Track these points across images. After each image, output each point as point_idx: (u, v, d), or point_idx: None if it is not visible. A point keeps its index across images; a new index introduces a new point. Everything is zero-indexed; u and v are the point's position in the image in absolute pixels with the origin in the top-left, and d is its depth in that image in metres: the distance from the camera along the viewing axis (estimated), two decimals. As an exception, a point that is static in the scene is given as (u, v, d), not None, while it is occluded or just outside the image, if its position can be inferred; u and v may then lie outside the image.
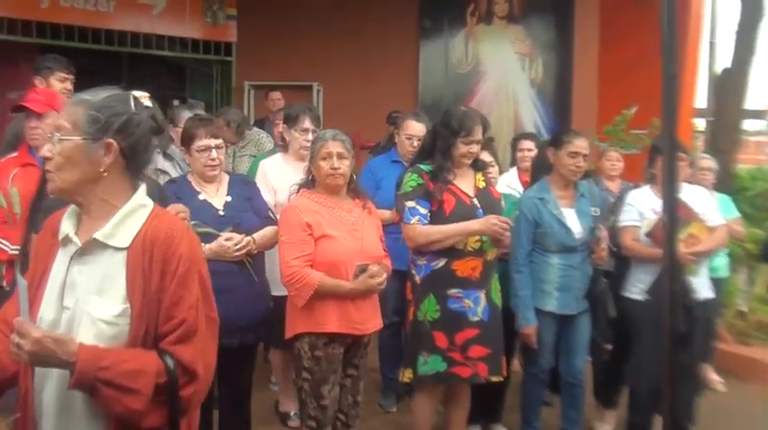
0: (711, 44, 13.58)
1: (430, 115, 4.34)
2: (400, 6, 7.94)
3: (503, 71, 7.94)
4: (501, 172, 4.22)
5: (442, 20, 8.02)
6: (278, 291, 3.17)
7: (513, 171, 4.70)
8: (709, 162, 4.92)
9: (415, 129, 4.19)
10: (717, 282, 4.56)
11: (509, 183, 4.47)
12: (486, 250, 3.25)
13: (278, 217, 3.21)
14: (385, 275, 3.03)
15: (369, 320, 3.06)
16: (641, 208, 3.67)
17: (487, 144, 5.59)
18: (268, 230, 3.14)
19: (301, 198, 3.07)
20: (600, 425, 4.17)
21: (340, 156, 3.01)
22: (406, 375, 3.28)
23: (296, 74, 7.71)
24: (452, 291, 3.19)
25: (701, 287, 3.67)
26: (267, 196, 3.50)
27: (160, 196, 2.58)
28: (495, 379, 3.28)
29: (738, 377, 5.12)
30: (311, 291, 2.87)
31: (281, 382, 4.11)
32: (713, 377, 5.00)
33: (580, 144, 3.57)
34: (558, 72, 7.90)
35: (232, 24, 8.02)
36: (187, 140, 3.16)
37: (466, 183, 3.34)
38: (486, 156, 3.92)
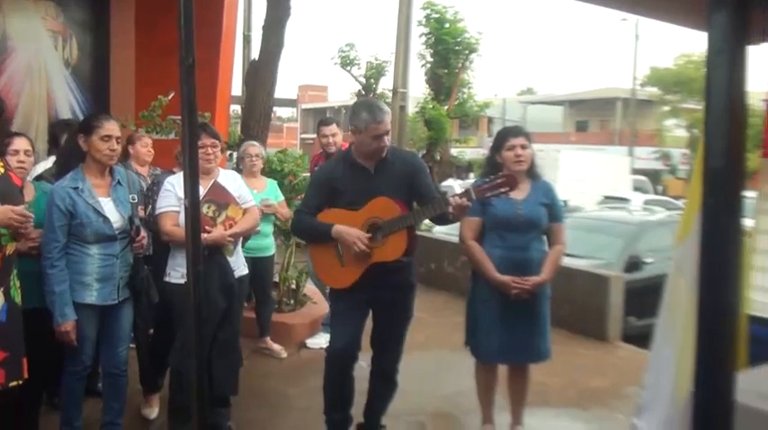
0: (246, 36, 14.65)
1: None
2: None
3: (34, 48, 7.25)
4: (38, 160, 3.93)
5: (-42, -13, 6.96)
6: None
7: (51, 159, 4.41)
8: (258, 149, 5.32)
9: None
10: (266, 261, 5.23)
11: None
12: (4, 244, 2.95)
13: None
14: None
15: None
16: (180, 193, 3.73)
17: (14, 133, 5.10)
18: None
19: None
20: (149, 411, 4.21)
21: None
22: None
23: None
24: None
25: (238, 265, 3.91)
26: None
27: None
28: (13, 384, 2.99)
29: (276, 342, 5.60)
30: None
31: None
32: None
33: (111, 127, 3.47)
34: (94, 53, 7.53)
35: None
36: None
37: None
38: (22, 144, 3.60)
